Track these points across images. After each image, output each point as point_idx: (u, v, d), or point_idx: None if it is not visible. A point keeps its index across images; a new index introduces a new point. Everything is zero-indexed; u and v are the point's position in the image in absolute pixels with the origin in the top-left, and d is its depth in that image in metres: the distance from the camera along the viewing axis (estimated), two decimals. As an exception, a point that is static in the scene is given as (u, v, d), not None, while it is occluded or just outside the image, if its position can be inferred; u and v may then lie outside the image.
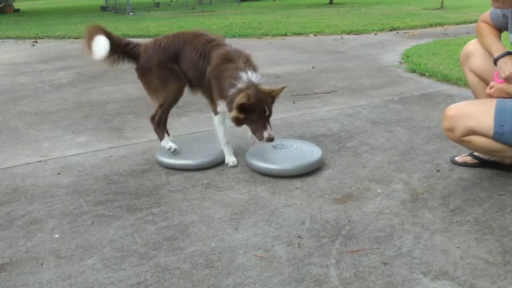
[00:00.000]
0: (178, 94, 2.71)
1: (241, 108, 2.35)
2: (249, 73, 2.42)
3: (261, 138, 2.46)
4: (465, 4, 13.22)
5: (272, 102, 2.47)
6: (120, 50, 2.67)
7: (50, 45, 8.08)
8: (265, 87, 2.44)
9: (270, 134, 2.44)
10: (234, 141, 2.98)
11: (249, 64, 2.50)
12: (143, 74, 2.71)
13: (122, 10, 14.57)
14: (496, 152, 2.36)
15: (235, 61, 2.47)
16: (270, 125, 2.47)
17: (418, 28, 8.78)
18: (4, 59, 6.82)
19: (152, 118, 2.77)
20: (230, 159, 2.74)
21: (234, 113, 2.37)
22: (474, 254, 1.84)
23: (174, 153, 2.76)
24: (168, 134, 2.87)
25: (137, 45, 2.73)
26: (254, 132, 2.48)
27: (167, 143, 2.78)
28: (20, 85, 5.06)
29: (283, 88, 2.48)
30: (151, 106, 2.85)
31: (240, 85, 2.38)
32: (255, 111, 2.39)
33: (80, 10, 16.45)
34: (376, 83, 4.63)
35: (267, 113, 2.43)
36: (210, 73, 2.52)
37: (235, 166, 2.71)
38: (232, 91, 2.40)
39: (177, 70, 2.65)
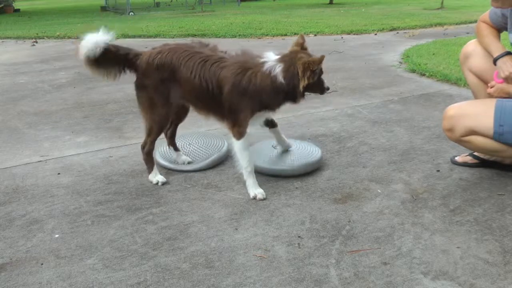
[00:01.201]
0: (165, 121, 2.54)
1: (314, 72, 2.20)
2: (265, 56, 2.28)
3: (323, 91, 2.35)
4: (465, 4, 13.21)
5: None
6: (120, 60, 2.42)
7: (50, 45, 8.07)
8: (293, 50, 2.34)
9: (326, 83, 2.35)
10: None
11: (253, 55, 2.33)
12: (137, 91, 2.48)
13: (122, 10, 14.54)
14: (496, 152, 2.36)
15: (249, 64, 2.26)
16: None
17: (418, 28, 8.78)
18: (4, 59, 6.82)
19: (142, 148, 2.59)
20: (258, 191, 2.37)
21: (307, 80, 2.19)
22: (474, 254, 1.84)
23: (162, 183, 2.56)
24: (178, 150, 2.76)
25: (137, 55, 2.43)
26: (316, 91, 2.33)
27: (154, 177, 2.56)
28: (20, 85, 5.06)
29: (302, 36, 2.41)
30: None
31: (278, 68, 2.22)
32: (319, 70, 2.25)
33: (80, 10, 16.43)
34: (376, 83, 4.63)
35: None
36: (231, 93, 2.24)
37: (264, 199, 2.35)
38: (280, 77, 2.21)
39: (167, 96, 2.41)
